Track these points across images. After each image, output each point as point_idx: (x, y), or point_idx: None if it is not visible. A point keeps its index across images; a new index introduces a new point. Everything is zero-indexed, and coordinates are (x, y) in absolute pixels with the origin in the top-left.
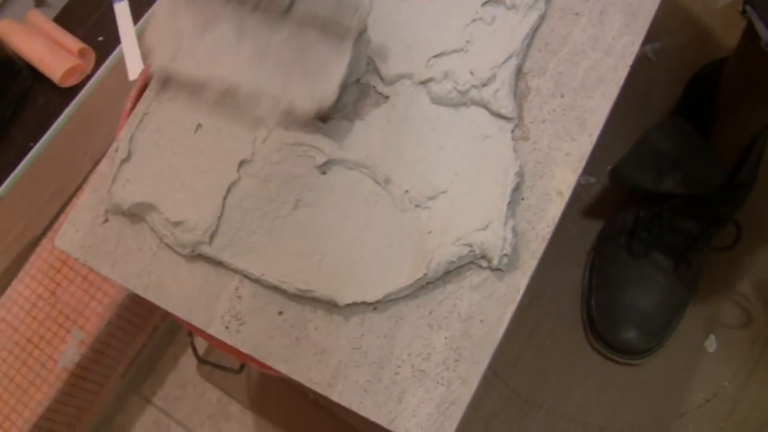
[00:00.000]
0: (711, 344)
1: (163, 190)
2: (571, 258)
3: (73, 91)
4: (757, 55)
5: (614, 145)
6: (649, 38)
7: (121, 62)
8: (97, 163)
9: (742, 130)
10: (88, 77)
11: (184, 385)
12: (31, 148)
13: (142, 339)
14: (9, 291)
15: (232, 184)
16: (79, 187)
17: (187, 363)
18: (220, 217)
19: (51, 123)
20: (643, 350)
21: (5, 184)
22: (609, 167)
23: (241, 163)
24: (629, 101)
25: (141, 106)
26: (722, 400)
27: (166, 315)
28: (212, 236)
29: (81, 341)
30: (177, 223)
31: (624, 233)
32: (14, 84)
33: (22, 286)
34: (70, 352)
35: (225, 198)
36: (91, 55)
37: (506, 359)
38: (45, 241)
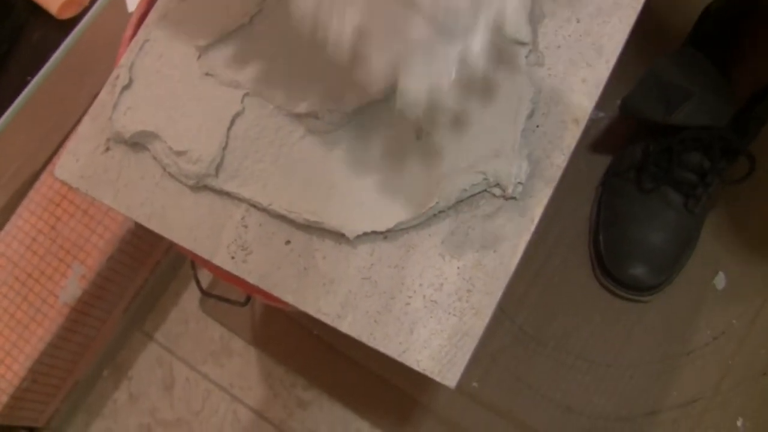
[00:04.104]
0: (720, 282)
1: (166, 119)
2: (578, 193)
3: (71, 23)
4: None
5: (624, 78)
6: None
7: None
8: (95, 96)
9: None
10: (86, 9)
11: (187, 321)
12: (28, 82)
13: (143, 274)
14: (8, 226)
15: (237, 115)
16: (78, 122)
17: (190, 299)
18: (224, 148)
19: (48, 57)
20: (650, 286)
21: (2, 119)
22: (618, 101)
23: (246, 95)
24: (641, 33)
25: (142, 33)
26: (730, 337)
27: (168, 250)
28: (218, 168)
29: (82, 276)
30: (180, 153)
31: (633, 168)
32: (9, 17)
33: (22, 221)
34: (71, 287)
35: (229, 129)
36: None
37: (513, 296)
38: (44, 176)
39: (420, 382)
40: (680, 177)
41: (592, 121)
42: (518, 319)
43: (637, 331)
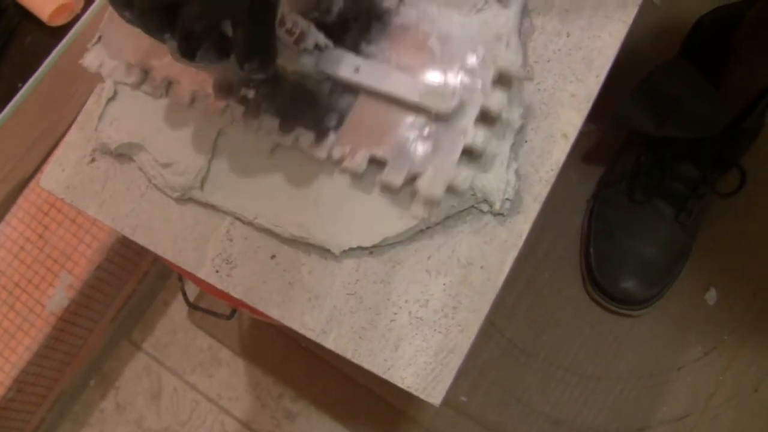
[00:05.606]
0: (711, 297)
1: (152, 130)
2: (569, 205)
3: (62, 30)
4: None
5: (615, 92)
6: None
7: None
8: (85, 104)
9: (756, 77)
10: (78, 16)
11: (175, 331)
12: (19, 88)
13: (131, 284)
14: None
15: (223, 127)
16: (68, 129)
17: (178, 309)
18: (210, 160)
19: (39, 63)
20: (642, 300)
21: None
22: (610, 114)
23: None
24: (631, 49)
25: None
26: (721, 353)
27: (156, 260)
28: (203, 180)
29: (70, 285)
30: (166, 165)
31: (624, 179)
32: (1, 23)
33: (10, 228)
34: (58, 296)
35: (215, 140)
36: None
37: (503, 308)
38: (33, 183)
39: (408, 395)
40: (672, 188)
41: (583, 134)
42: (507, 332)
43: (627, 345)
